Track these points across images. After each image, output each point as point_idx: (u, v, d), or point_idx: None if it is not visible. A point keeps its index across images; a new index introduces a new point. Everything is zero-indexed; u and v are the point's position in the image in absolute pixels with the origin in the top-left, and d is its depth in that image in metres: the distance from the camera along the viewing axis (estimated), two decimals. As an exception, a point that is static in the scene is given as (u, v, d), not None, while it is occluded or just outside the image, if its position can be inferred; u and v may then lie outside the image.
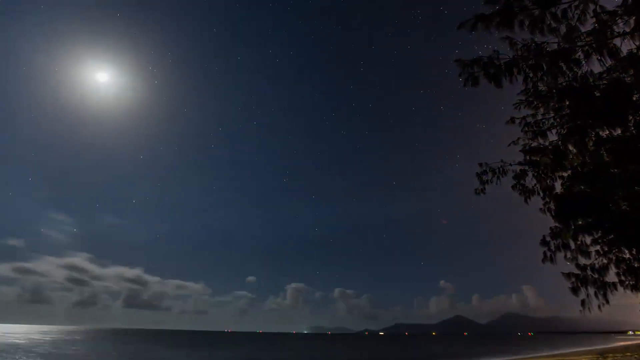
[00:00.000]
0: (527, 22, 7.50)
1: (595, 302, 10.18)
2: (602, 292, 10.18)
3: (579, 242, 10.37)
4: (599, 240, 10.15)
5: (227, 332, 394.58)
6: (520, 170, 10.20)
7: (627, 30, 7.30)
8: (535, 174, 10.13)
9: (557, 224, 10.37)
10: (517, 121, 9.55)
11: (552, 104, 8.80)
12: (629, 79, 7.61)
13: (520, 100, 9.08)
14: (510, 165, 10.21)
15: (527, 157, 9.78)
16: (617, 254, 10.30)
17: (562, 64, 7.76)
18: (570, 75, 7.88)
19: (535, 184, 10.27)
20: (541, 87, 8.47)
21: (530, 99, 8.91)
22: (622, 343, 68.08)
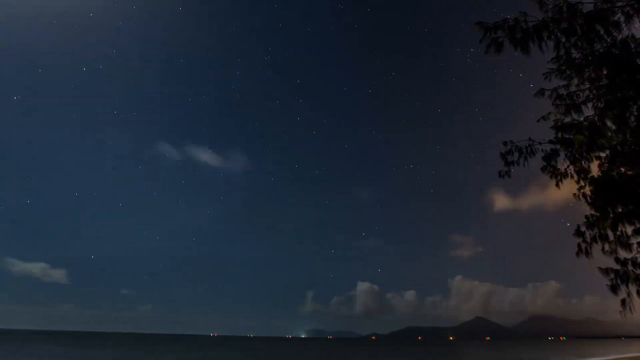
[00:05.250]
0: (558, -21, 7.00)
1: (637, 302, 9.30)
2: (645, 290, 9.32)
3: (618, 233, 9.36)
4: (642, 231, 9.28)
5: (213, 336, 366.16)
6: (551, 149, 9.32)
7: None
8: (569, 154, 9.22)
9: (593, 212, 9.37)
10: (548, 93, 8.72)
11: (587, 73, 8.04)
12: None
13: (551, 69, 8.32)
14: (540, 144, 9.33)
15: (559, 135, 8.98)
16: (662, 246, 9.44)
17: (599, 28, 7.15)
18: (608, 40, 7.22)
19: (568, 166, 9.35)
20: (575, 54, 7.76)
21: (563, 67, 8.15)
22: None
